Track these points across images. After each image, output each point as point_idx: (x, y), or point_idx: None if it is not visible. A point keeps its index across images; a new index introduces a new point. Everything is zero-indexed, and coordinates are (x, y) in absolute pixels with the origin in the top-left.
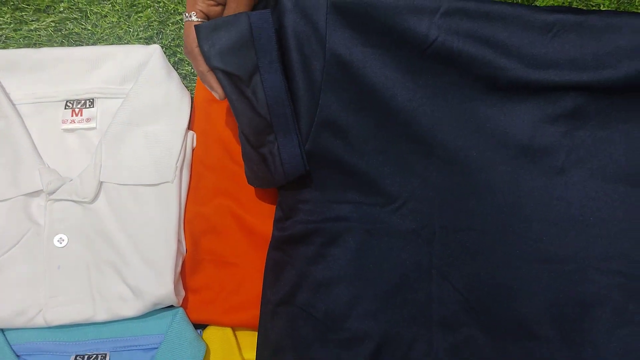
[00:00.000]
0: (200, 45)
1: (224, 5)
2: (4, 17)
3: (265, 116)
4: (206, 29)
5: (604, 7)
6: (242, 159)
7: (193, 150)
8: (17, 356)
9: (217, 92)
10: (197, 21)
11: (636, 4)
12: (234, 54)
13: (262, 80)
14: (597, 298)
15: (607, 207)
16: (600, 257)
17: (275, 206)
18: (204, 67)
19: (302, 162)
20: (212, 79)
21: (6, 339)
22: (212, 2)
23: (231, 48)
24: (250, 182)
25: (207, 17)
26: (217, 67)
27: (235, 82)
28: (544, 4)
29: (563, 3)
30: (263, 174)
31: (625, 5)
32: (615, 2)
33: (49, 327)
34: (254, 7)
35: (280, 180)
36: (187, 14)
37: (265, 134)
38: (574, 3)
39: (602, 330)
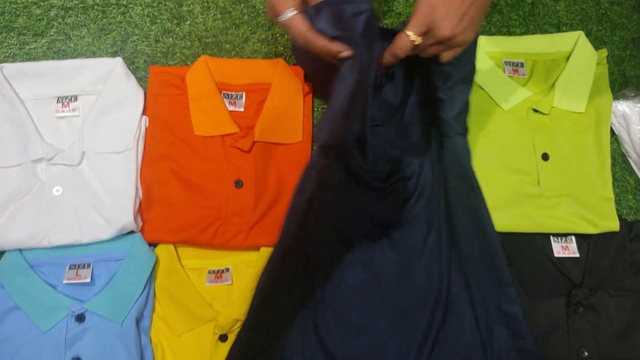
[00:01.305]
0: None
1: None
2: (11, 40)
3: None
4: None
5: None
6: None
7: (146, 128)
8: (31, 267)
9: (344, 52)
10: (296, 13)
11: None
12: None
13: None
14: None
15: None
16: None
17: (200, 165)
18: (322, 41)
19: None
20: (331, 45)
21: (23, 255)
22: None
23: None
24: None
25: (303, 5)
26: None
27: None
28: None
29: None
30: None
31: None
32: None
33: (51, 247)
34: None
35: None
36: (281, 15)
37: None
38: None
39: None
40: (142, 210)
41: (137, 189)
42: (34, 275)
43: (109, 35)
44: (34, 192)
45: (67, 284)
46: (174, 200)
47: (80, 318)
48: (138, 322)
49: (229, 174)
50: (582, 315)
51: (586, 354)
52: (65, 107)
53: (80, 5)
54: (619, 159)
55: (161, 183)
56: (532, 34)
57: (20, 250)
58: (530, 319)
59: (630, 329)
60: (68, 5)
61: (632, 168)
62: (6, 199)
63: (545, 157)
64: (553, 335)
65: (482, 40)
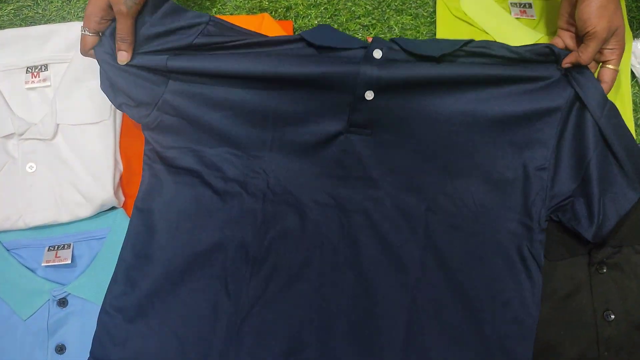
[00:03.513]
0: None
1: (111, 20)
2: None
3: None
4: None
5: None
6: None
7: None
8: (7, 250)
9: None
10: (90, 35)
11: None
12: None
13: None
14: None
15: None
16: None
17: None
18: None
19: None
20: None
21: None
22: (104, 21)
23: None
24: None
25: (97, 32)
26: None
27: None
28: None
29: None
30: None
31: None
32: None
33: (28, 228)
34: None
35: None
36: (82, 28)
37: None
38: None
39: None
40: (123, 184)
41: (116, 161)
42: (10, 258)
43: None
44: (6, 170)
45: (46, 266)
46: None
47: (63, 302)
48: None
49: None
50: (607, 275)
51: (613, 316)
52: (35, 77)
53: None
54: None
55: (142, 154)
56: None
57: None
58: (549, 281)
59: None
60: None
61: None
62: None
63: None
64: (575, 298)
65: None
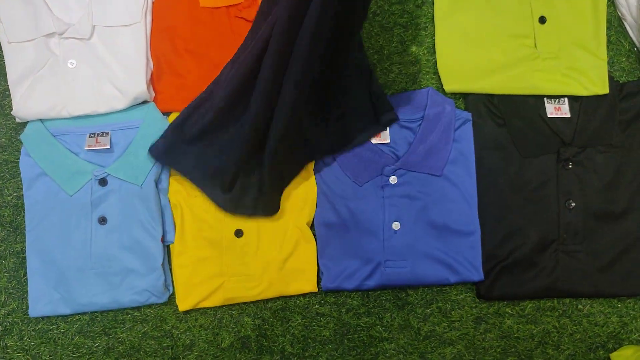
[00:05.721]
0: None
1: None
2: None
3: None
4: None
5: None
6: None
7: (153, 2)
8: (54, 136)
9: None
10: None
11: None
12: None
13: None
14: None
15: None
16: None
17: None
18: None
19: None
20: None
21: (44, 125)
22: None
23: None
24: None
25: None
26: None
27: None
28: None
29: None
30: None
31: None
32: None
33: (71, 117)
34: None
35: None
36: None
37: None
38: None
39: None
40: (153, 81)
41: (148, 59)
42: (56, 143)
43: None
44: (50, 65)
45: (88, 150)
46: (183, 71)
47: (103, 182)
48: (157, 184)
49: (234, 43)
50: (571, 170)
51: (573, 204)
52: None
53: None
54: (615, 22)
55: (170, 54)
56: None
57: (42, 120)
58: (524, 175)
59: (615, 181)
60: None
61: (627, 31)
62: (24, 72)
63: (542, 20)
64: (544, 189)
65: None
